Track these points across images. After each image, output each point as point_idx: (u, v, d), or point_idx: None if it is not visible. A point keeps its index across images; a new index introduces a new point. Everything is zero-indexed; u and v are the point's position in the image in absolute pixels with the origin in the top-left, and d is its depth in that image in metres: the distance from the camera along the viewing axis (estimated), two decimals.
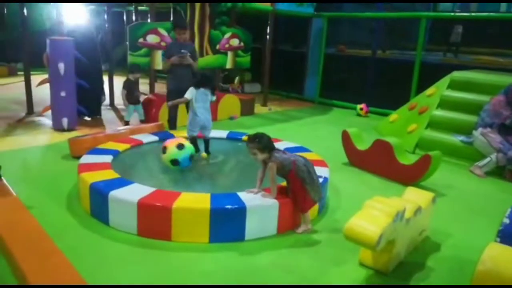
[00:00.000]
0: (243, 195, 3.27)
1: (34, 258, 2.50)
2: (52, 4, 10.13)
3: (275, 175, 3.23)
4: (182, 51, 5.33)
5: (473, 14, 9.56)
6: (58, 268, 2.43)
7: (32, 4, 8.99)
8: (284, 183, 3.41)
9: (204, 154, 4.60)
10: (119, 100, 8.41)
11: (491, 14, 9.19)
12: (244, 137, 5.13)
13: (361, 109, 8.61)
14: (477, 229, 3.68)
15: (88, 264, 2.73)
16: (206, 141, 4.66)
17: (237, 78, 6.28)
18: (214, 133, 5.16)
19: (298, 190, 3.25)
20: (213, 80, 4.56)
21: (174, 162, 3.99)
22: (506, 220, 2.76)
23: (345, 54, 10.48)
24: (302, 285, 2.70)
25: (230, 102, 7.62)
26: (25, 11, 6.73)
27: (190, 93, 4.47)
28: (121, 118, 7.30)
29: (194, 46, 5.75)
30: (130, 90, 6.49)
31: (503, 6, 14.78)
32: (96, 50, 6.92)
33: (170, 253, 2.96)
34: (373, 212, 2.69)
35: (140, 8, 10.72)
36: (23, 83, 6.98)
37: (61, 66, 5.79)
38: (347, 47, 10.80)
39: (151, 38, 6.56)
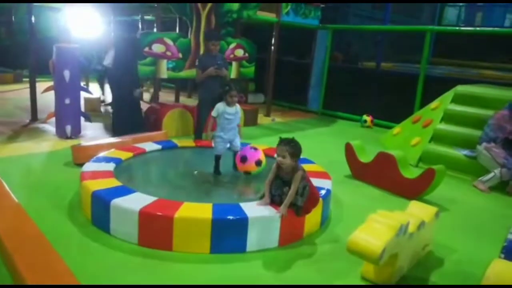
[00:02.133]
0: (246, 206, 3.25)
1: (35, 265, 2.48)
2: (59, 11, 10.21)
3: (298, 184, 3.19)
4: (219, 62, 5.56)
5: (477, 28, 9.59)
6: (59, 275, 2.41)
7: (40, 11, 9.07)
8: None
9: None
10: None
11: (495, 29, 9.21)
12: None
13: (365, 121, 8.61)
14: (481, 244, 3.64)
15: (88, 273, 2.72)
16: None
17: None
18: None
19: (314, 191, 3.29)
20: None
21: (247, 173, 4.16)
22: (510, 236, 2.74)
23: (340, 64, 10.53)
24: (301, 285, 2.68)
25: None
26: (32, 18, 6.79)
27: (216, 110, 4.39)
28: None
29: (223, 56, 5.95)
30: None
31: (508, 20, 14.86)
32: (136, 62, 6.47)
33: (170, 264, 2.93)
34: (376, 225, 2.67)
35: (146, 17, 10.81)
36: (28, 89, 7.02)
37: (67, 73, 5.82)
38: (345, 57, 10.84)
39: (157, 48, 6.59)
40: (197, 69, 5.93)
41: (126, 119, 6.21)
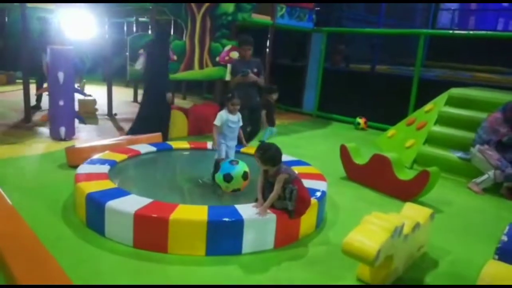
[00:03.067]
0: (241, 208, 3.24)
1: (29, 268, 2.46)
2: (53, 13, 10.16)
3: (281, 187, 3.20)
4: (243, 70, 5.30)
5: (471, 32, 9.68)
6: (53, 278, 2.39)
7: (33, 13, 9.03)
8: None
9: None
10: (117, 110, 8.43)
11: (489, 32, 9.29)
12: (243, 149, 5.13)
13: (359, 123, 8.64)
14: (475, 245, 3.66)
15: (82, 275, 2.70)
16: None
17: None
18: (210, 145, 5.14)
19: (303, 193, 3.27)
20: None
21: (236, 190, 3.90)
22: (504, 238, 2.75)
23: (340, 67, 10.56)
24: (301, 285, 2.68)
25: None
26: (26, 20, 6.76)
27: (219, 118, 4.25)
28: (119, 128, 7.29)
29: (259, 61, 5.60)
30: (269, 111, 6.18)
31: (500, 23, 14.99)
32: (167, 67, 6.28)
33: (166, 266, 2.92)
34: (371, 227, 2.68)
35: (140, 19, 10.80)
36: (21, 91, 6.98)
37: (61, 75, 5.79)
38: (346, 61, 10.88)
39: None
40: (231, 76, 5.68)
41: (149, 120, 6.02)
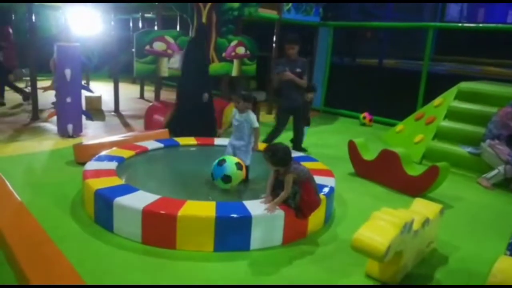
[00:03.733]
0: (249, 205, 3.23)
1: (38, 264, 2.47)
2: (59, 10, 10.19)
3: (290, 186, 3.19)
4: (278, 67, 5.20)
5: (480, 25, 9.55)
6: (62, 274, 2.40)
7: (40, 10, 9.06)
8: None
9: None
10: (123, 107, 8.46)
11: (498, 25, 9.17)
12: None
13: (364, 117, 8.57)
14: (485, 241, 3.62)
15: (91, 271, 2.71)
16: None
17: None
18: (220, 141, 5.15)
19: (307, 197, 3.23)
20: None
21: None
22: None
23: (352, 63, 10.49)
24: (302, 285, 2.67)
25: None
26: (33, 17, 6.78)
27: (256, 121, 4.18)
28: (125, 124, 7.30)
29: (304, 61, 5.38)
30: (305, 111, 5.96)
31: (510, 16, 14.78)
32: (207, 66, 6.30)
33: (174, 262, 2.92)
34: (380, 223, 2.65)
35: (146, 15, 10.79)
36: (29, 88, 7.01)
37: (68, 72, 5.80)
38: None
39: (158, 46, 6.57)
40: (274, 75, 5.53)
41: (185, 121, 5.93)
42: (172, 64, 6.40)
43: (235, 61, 7.86)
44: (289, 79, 5.12)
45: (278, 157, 3.20)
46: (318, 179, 3.87)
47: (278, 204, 3.21)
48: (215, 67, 7.59)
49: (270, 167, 3.26)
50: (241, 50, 7.88)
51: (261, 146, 4.24)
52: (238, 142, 4.23)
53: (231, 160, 3.90)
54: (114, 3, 8.24)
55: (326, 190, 3.67)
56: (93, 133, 6.45)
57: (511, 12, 14.68)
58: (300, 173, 3.23)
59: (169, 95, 10.06)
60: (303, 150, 5.77)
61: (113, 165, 4.01)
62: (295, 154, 4.82)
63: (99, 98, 8.42)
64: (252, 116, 4.16)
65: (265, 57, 9.45)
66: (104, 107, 8.44)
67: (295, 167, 3.24)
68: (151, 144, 4.92)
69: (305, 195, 3.23)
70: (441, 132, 6.03)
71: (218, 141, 5.24)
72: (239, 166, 3.88)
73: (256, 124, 4.14)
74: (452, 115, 6.09)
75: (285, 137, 5.73)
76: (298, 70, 5.17)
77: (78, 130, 6.18)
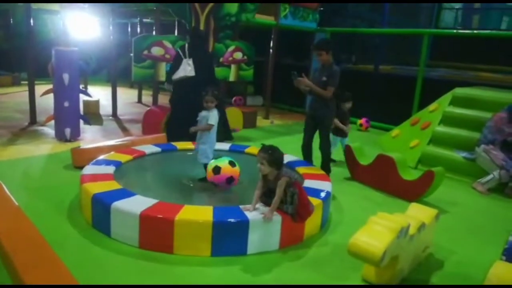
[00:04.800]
0: (247, 209, 3.25)
1: (35, 268, 2.48)
2: (57, 14, 10.21)
3: (282, 190, 3.18)
4: (293, 72, 4.67)
5: (475, 31, 9.64)
6: (59, 278, 2.40)
7: (38, 14, 9.07)
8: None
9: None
10: (121, 111, 8.47)
11: (493, 32, 9.26)
12: (248, 149, 5.13)
13: (361, 124, 8.61)
14: (480, 246, 3.65)
15: (88, 276, 2.71)
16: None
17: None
18: (217, 145, 5.15)
19: (303, 198, 3.24)
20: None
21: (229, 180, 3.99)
22: None
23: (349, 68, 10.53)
24: (301, 285, 2.69)
25: (233, 115, 7.63)
26: (31, 21, 6.79)
27: (214, 119, 4.14)
28: (123, 128, 7.31)
29: (333, 70, 4.69)
30: (342, 122, 5.88)
31: (504, 22, 14.91)
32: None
33: (171, 266, 2.93)
34: (377, 228, 2.68)
35: (144, 20, 10.82)
36: (27, 92, 7.01)
37: (66, 76, 5.81)
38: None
39: (156, 50, 6.60)
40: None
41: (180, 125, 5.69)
42: (176, 74, 5.90)
43: (233, 66, 7.91)
44: (298, 86, 4.73)
45: (275, 156, 3.19)
46: (314, 184, 3.92)
47: (274, 210, 3.20)
48: None
49: (264, 168, 3.19)
50: (238, 55, 7.92)
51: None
52: (198, 139, 4.27)
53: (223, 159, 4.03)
54: (114, 3, 8.26)
55: (322, 194, 3.69)
56: (91, 137, 6.46)
57: (506, 19, 14.82)
58: (291, 175, 3.25)
59: (166, 100, 10.08)
60: (332, 161, 5.42)
61: (110, 169, 4.02)
62: (291, 159, 4.86)
63: (97, 102, 8.43)
64: (213, 113, 4.13)
65: (262, 62, 9.50)
66: (102, 111, 8.44)
67: (285, 171, 3.25)
68: (149, 149, 4.93)
69: (301, 196, 3.23)
70: (436, 137, 6.08)
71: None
72: (231, 163, 3.98)
73: (211, 122, 4.11)
74: (447, 120, 6.14)
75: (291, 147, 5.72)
76: (324, 78, 4.67)
77: (76, 134, 6.19)
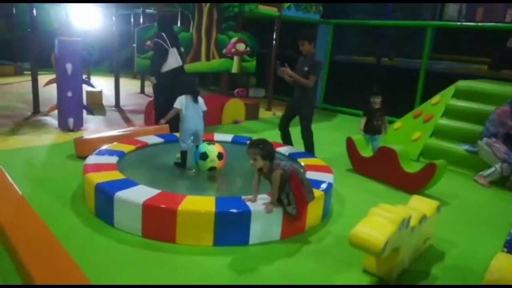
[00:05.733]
0: (248, 200, 3.26)
1: (40, 258, 2.50)
2: (60, 4, 10.19)
3: (278, 184, 3.15)
4: (277, 62, 4.94)
5: (479, 24, 9.57)
6: (64, 268, 2.43)
7: (41, 4, 9.05)
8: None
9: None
10: (124, 102, 8.48)
11: (498, 24, 9.19)
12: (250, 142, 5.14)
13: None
14: (481, 238, 3.66)
15: (92, 265, 2.74)
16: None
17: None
18: (219, 137, 5.19)
19: (299, 193, 3.18)
20: (194, 86, 4.30)
21: (211, 169, 4.16)
22: None
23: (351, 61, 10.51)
24: (301, 285, 2.70)
25: (235, 107, 7.64)
26: (34, 11, 6.78)
27: (179, 102, 4.21)
28: (126, 119, 7.33)
29: (315, 60, 4.93)
30: (370, 118, 5.44)
31: (509, 16, 14.78)
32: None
33: (174, 256, 2.96)
34: (378, 219, 2.69)
35: (147, 11, 10.78)
36: (30, 82, 7.02)
37: (69, 66, 5.82)
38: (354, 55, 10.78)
39: None
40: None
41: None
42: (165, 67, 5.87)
43: (235, 58, 7.89)
44: (282, 76, 4.92)
45: (267, 150, 3.14)
46: (317, 175, 3.93)
47: (274, 201, 3.20)
48: (215, 63, 7.62)
49: (258, 163, 3.14)
50: (241, 46, 7.91)
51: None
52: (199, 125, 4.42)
53: (213, 147, 4.17)
54: (115, 3, 8.26)
55: (324, 186, 3.71)
56: (93, 127, 6.48)
57: (510, 11, 14.69)
58: (285, 167, 3.17)
59: None
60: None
61: (113, 159, 4.04)
62: (293, 151, 4.88)
63: (100, 93, 8.44)
64: (178, 98, 4.26)
65: (265, 53, 9.47)
66: (105, 101, 8.46)
67: (277, 163, 3.18)
68: (151, 139, 4.96)
69: (296, 191, 3.17)
70: (438, 130, 6.08)
71: (217, 136, 5.27)
72: (220, 156, 4.12)
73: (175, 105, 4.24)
74: (449, 113, 6.13)
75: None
76: (306, 68, 4.86)
77: (79, 124, 6.21)
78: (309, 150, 5.12)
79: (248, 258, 3.01)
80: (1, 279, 2.59)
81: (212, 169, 4.15)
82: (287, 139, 5.34)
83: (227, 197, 3.36)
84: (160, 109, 5.83)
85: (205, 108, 4.40)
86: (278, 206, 3.21)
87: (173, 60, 5.68)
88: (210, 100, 7.37)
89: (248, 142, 3.29)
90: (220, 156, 4.13)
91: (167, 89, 5.65)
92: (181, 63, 5.77)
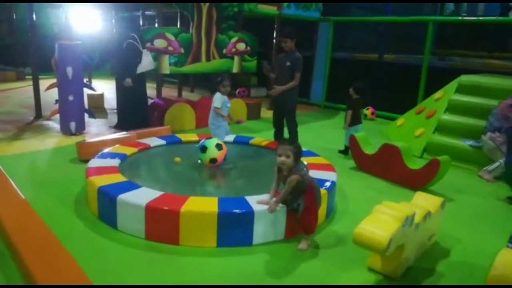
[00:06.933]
0: (252, 200, 3.25)
1: (43, 261, 2.51)
2: (60, 8, 10.21)
3: (292, 187, 3.09)
4: (263, 62, 5.35)
5: (480, 18, 9.52)
6: (67, 270, 2.43)
7: (41, 9, 9.07)
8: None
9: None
10: None
11: (499, 18, 9.14)
12: (252, 141, 5.13)
13: (367, 108, 8.56)
14: (486, 234, 3.63)
15: (96, 268, 2.73)
16: None
17: None
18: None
19: (311, 207, 3.14)
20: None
21: (213, 160, 4.26)
22: None
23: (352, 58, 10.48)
24: (302, 285, 2.69)
25: (237, 106, 7.63)
26: (33, 16, 6.79)
27: (219, 101, 4.65)
28: None
29: (296, 56, 5.20)
30: (356, 111, 5.70)
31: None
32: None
33: (177, 257, 2.95)
34: (382, 217, 2.67)
35: (147, 13, 10.78)
36: (31, 87, 7.04)
37: (69, 70, 5.82)
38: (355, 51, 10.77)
39: (159, 43, 6.58)
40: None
41: (131, 115, 6.22)
42: (144, 67, 6.20)
43: (236, 58, 7.88)
44: (268, 75, 5.46)
45: (300, 149, 3.16)
46: (320, 174, 3.91)
47: (279, 202, 3.17)
48: (216, 63, 7.61)
49: (290, 161, 3.06)
50: (241, 46, 7.89)
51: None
52: (226, 122, 4.89)
53: (214, 140, 4.35)
54: (115, 2, 8.26)
55: (327, 184, 3.69)
56: (95, 130, 6.48)
57: None
58: (304, 175, 3.14)
59: (170, 92, 10.08)
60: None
61: (116, 162, 4.04)
62: None
63: (101, 96, 8.44)
64: (215, 97, 4.72)
65: (265, 53, 9.45)
66: (106, 105, 8.47)
67: (298, 168, 3.14)
68: (153, 141, 4.95)
69: (307, 204, 3.11)
70: (441, 125, 6.04)
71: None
72: (219, 146, 4.27)
73: (215, 104, 4.69)
74: (452, 108, 6.10)
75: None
76: (288, 63, 5.16)
77: (80, 128, 6.21)
78: (292, 139, 5.33)
79: (252, 259, 2.99)
80: (4, 280, 2.59)
81: (214, 161, 4.22)
82: (279, 135, 5.60)
83: (230, 198, 3.35)
84: (125, 113, 6.24)
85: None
86: (282, 206, 3.19)
87: (147, 62, 5.85)
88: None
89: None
90: (219, 146, 4.22)
91: (134, 91, 5.96)
92: (154, 66, 6.10)
